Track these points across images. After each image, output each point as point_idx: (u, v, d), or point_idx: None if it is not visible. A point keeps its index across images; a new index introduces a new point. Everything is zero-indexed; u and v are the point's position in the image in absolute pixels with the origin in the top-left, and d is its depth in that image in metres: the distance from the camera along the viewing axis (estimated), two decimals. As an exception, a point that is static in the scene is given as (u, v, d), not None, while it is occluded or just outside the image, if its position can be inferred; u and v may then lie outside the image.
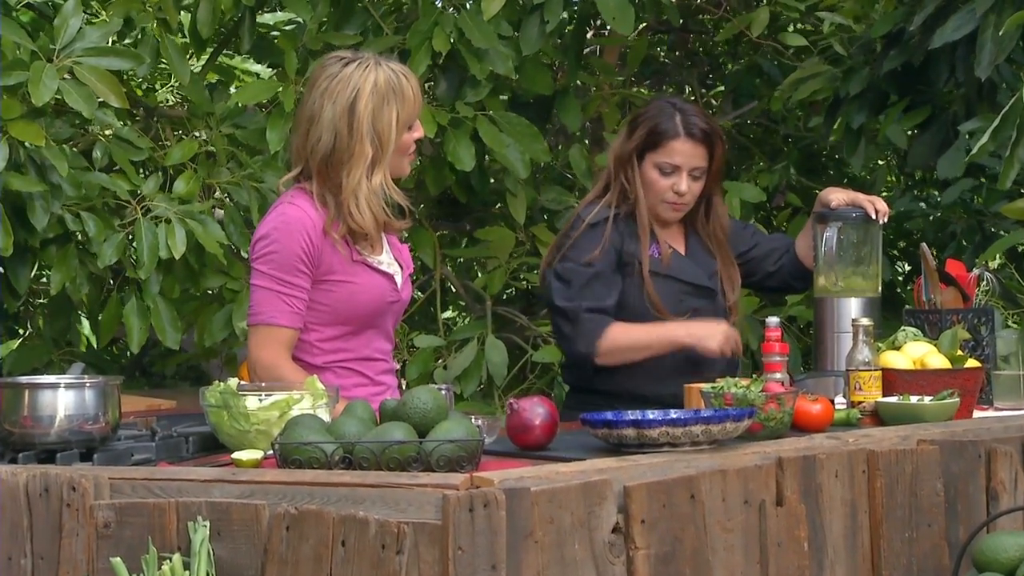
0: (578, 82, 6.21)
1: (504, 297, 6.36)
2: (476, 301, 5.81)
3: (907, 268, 6.85)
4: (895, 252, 6.80)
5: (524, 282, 5.78)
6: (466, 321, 6.60)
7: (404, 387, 4.84)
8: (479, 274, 6.01)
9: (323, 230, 3.41)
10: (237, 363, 5.19)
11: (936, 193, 6.39)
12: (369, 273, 3.48)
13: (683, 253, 3.94)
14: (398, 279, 3.55)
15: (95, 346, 5.67)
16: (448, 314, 7.23)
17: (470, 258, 6.16)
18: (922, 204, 6.42)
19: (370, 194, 3.42)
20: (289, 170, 3.56)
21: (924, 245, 3.84)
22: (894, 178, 7.26)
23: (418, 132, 3.52)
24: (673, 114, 3.86)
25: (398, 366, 3.69)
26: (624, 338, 3.77)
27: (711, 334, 3.73)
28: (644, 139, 3.86)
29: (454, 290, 6.14)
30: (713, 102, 6.96)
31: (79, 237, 4.64)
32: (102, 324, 4.81)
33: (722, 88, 6.97)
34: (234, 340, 5.03)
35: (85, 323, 5.75)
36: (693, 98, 7.17)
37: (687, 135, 3.83)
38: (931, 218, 6.37)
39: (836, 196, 3.84)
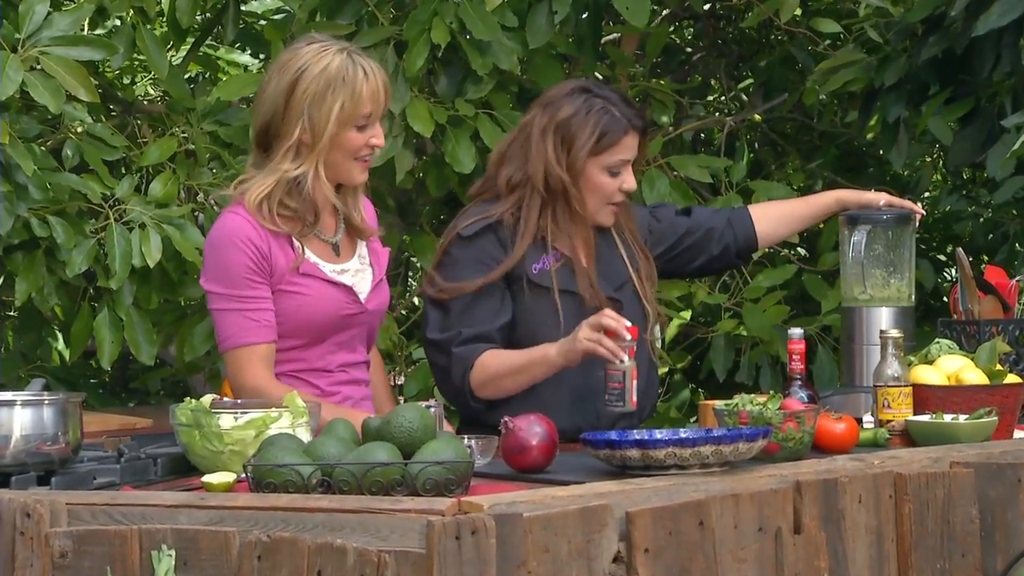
0: (598, 76, 6.22)
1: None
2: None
3: (954, 274, 6.83)
4: (941, 257, 6.78)
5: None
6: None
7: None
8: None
9: (271, 232, 3.42)
10: (221, 379, 5.20)
11: (986, 192, 6.37)
12: (320, 285, 3.47)
13: (585, 262, 3.68)
14: (361, 290, 3.53)
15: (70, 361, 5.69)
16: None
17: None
18: (971, 205, 6.41)
19: (281, 185, 3.42)
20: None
21: (960, 250, 3.84)
22: (940, 176, 7.24)
23: (376, 139, 3.47)
24: (605, 107, 3.63)
25: (366, 378, 3.66)
26: (495, 365, 3.55)
27: (573, 344, 3.42)
28: (594, 144, 3.61)
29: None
30: (743, 96, 6.96)
31: (48, 243, 4.65)
32: (73, 337, 4.82)
33: (752, 80, 6.96)
34: (217, 354, 5.03)
35: (60, 336, 5.77)
36: (721, 89, 7.18)
37: (633, 128, 3.64)
38: (981, 219, 6.36)
39: (868, 198, 3.86)
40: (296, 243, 3.46)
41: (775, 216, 3.96)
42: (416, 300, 6.31)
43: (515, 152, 3.68)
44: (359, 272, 3.56)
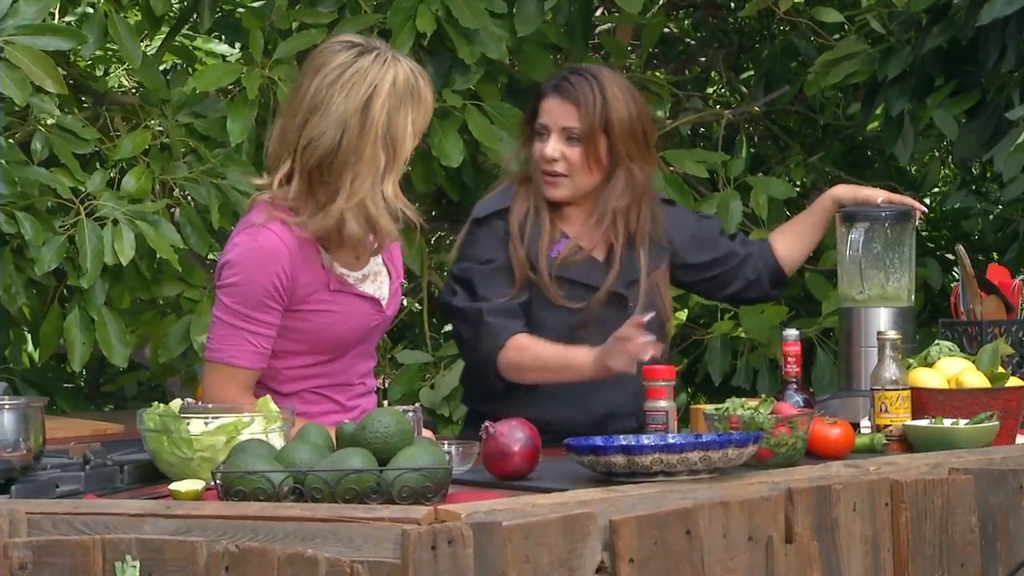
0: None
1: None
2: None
3: (962, 274, 6.82)
4: (949, 256, 6.78)
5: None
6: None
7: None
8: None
9: (300, 252, 3.40)
10: (198, 382, 5.19)
11: (997, 188, 6.37)
12: (350, 299, 3.46)
13: (600, 257, 3.78)
14: (383, 298, 3.53)
15: (39, 363, 5.68)
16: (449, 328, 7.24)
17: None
18: (979, 202, 6.41)
19: (378, 205, 3.39)
20: (258, 167, 3.53)
21: (961, 248, 3.84)
22: (949, 172, 7.24)
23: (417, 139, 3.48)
24: (556, 74, 3.81)
25: (376, 385, 3.66)
26: (526, 354, 3.63)
27: (613, 353, 3.48)
28: (530, 108, 3.81)
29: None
30: (743, 88, 6.96)
31: (16, 240, 4.64)
32: (42, 338, 4.81)
33: (752, 72, 6.96)
34: (193, 355, 5.03)
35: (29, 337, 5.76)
36: (721, 80, 7.18)
37: (554, 90, 3.74)
38: (991, 217, 6.36)
39: (866, 193, 3.87)
40: (325, 257, 3.44)
41: (787, 236, 4.00)
42: (404, 301, 6.31)
43: None
44: (378, 276, 3.54)
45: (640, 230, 3.77)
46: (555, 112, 3.72)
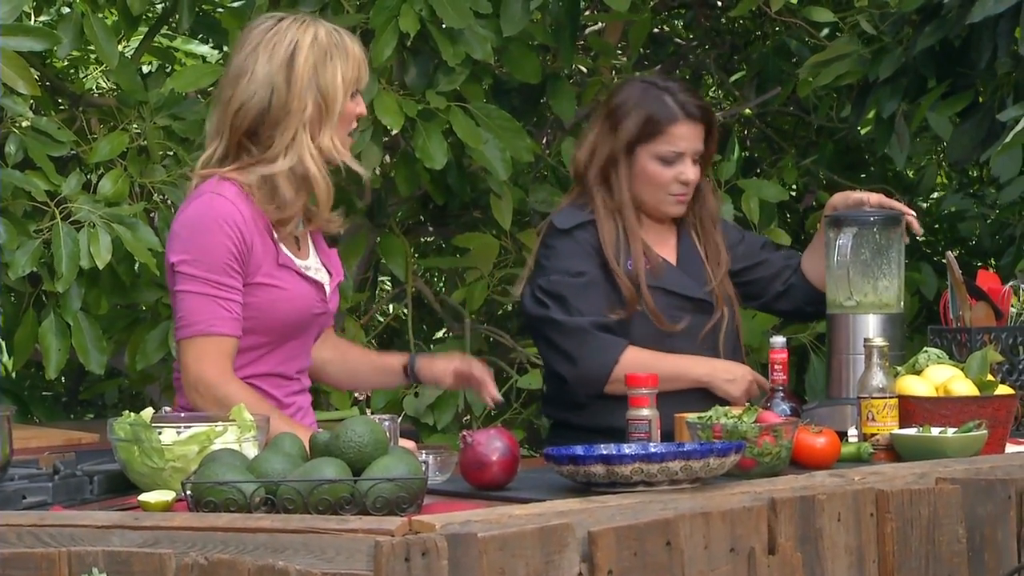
0: (581, 68, 6.22)
1: (499, 314, 6.38)
2: (454, 319, 5.81)
3: (959, 279, 6.81)
4: (945, 261, 6.75)
5: (510, 296, 5.77)
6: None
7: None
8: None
9: (254, 222, 3.41)
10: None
11: (993, 192, 6.37)
12: (295, 279, 3.48)
13: (674, 263, 3.94)
14: (327, 288, 3.56)
15: (12, 371, 5.68)
16: (440, 334, 7.24)
17: (448, 269, 6.16)
18: (976, 205, 6.41)
19: (317, 156, 3.43)
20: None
21: (950, 254, 3.84)
22: (945, 176, 7.23)
23: (360, 107, 3.52)
24: (660, 95, 3.88)
25: (309, 384, 3.66)
26: (640, 367, 3.69)
27: (734, 378, 3.81)
28: (639, 130, 3.86)
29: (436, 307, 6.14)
30: (735, 91, 6.95)
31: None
32: (16, 345, 4.80)
33: (744, 72, 6.95)
34: (172, 362, 5.02)
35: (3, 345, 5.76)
36: (713, 82, 7.18)
37: (687, 116, 3.86)
38: (988, 220, 6.36)
39: (856, 196, 3.88)
40: (274, 233, 3.47)
41: (808, 255, 4.07)
42: (391, 307, 6.31)
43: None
44: (319, 271, 3.58)
45: (702, 222, 3.97)
46: (691, 137, 3.87)
